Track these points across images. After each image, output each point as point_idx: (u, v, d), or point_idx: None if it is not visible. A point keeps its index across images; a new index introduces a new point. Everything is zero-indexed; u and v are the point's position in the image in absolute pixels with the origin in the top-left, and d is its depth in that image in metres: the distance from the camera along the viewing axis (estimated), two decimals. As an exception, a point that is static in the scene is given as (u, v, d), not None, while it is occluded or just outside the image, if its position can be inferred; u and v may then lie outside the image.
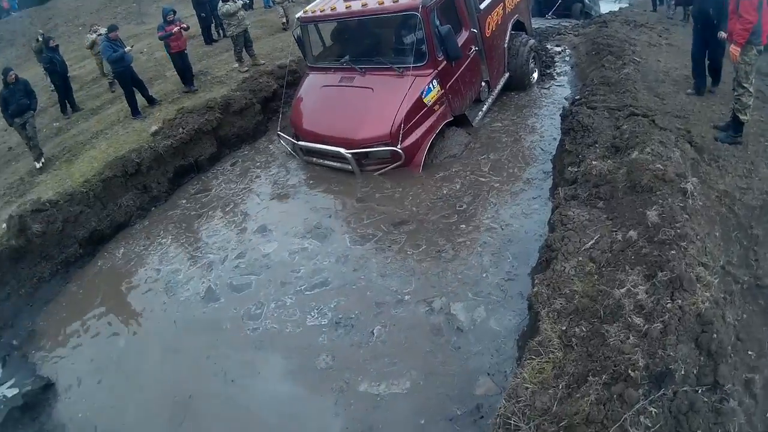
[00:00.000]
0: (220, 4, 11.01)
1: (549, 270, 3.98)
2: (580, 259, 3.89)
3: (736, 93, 5.56)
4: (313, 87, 7.99)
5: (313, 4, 8.36)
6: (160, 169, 8.22)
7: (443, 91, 7.18)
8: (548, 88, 9.76)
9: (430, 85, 7.03)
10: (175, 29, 9.78)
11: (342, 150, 6.91)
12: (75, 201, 7.33)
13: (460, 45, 7.37)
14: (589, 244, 3.99)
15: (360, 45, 8.11)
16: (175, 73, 10.67)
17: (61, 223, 7.18)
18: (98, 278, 7.01)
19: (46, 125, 10.57)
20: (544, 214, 5.77)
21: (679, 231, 3.61)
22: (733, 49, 5.39)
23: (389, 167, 7.01)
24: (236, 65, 11.53)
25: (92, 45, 11.47)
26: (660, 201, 4.16)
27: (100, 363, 5.50)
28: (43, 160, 8.75)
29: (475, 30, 7.81)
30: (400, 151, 6.70)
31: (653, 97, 7.12)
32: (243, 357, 5.17)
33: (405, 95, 6.79)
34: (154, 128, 8.61)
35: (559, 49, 12.05)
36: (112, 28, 9.23)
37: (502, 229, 5.77)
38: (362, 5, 7.13)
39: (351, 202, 6.90)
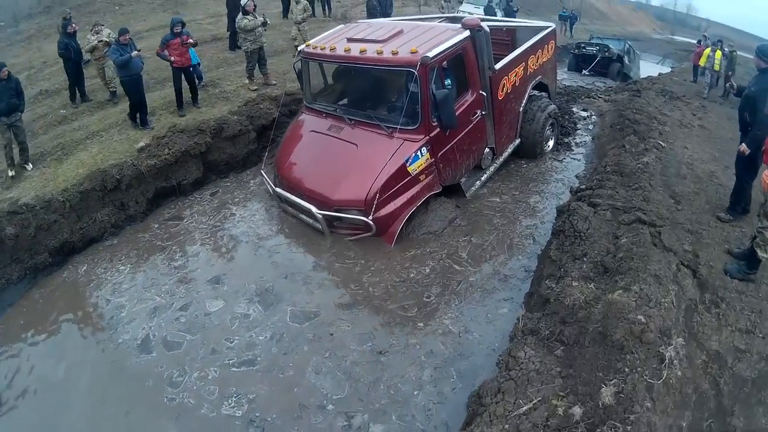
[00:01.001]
0: (240, 17, 10.50)
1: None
2: (506, 428, 3.17)
3: (759, 225, 4.70)
4: (302, 130, 7.43)
5: (320, 36, 7.81)
6: (140, 188, 7.81)
7: (433, 159, 6.54)
8: (562, 161, 9.03)
9: (419, 153, 6.38)
10: (171, 56, 8.88)
11: (313, 208, 6.30)
12: (51, 209, 7.03)
13: (463, 108, 6.79)
14: (524, 409, 3.27)
15: (354, 93, 7.51)
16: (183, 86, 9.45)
17: (35, 230, 6.86)
18: (59, 291, 6.60)
19: (53, 110, 10.19)
20: (508, 323, 5.13)
21: (629, 429, 2.86)
22: (766, 176, 4.52)
23: (361, 235, 6.38)
24: (246, 82, 11.04)
25: (92, 50, 9.91)
26: (626, 370, 3.42)
27: (25, 382, 5.22)
28: (30, 165, 8.15)
29: (483, 93, 7.14)
30: (371, 222, 6.12)
31: (668, 198, 6.31)
32: (155, 426, 4.69)
33: (388, 160, 6.17)
34: (141, 144, 8.14)
35: (585, 114, 11.39)
36: (123, 31, 8.37)
37: (459, 336, 5.12)
38: (360, 51, 6.52)
39: (310, 267, 6.30)
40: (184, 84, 9.26)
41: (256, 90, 10.69)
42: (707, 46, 13.83)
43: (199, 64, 10.26)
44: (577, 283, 4.54)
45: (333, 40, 7.27)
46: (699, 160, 7.85)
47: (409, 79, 6.21)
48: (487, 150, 7.72)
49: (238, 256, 6.88)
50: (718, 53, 12.89)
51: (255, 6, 10.22)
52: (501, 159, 8.18)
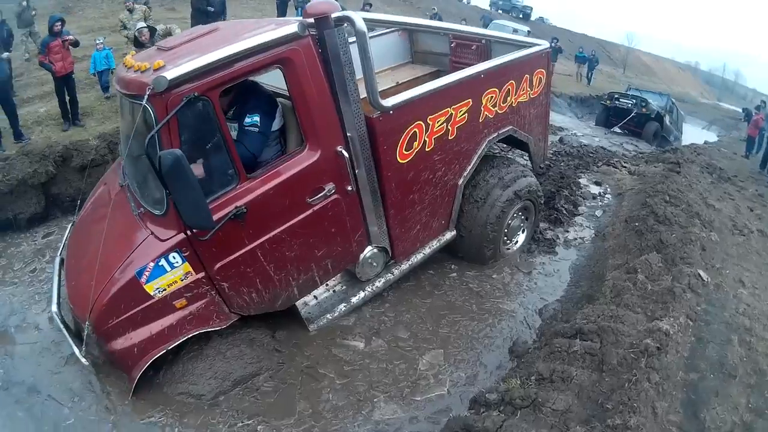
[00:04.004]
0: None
1: None
2: None
3: None
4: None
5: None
6: None
7: (203, 275, 3.56)
8: (529, 273, 5.39)
9: (164, 262, 3.40)
10: (53, 62, 7.53)
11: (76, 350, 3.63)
12: None
13: (281, 180, 3.60)
14: None
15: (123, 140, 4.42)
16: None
17: None
18: None
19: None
20: None
21: None
22: None
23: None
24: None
25: None
26: None
27: None
28: None
29: (344, 150, 3.69)
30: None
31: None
32: None
33: (119, 265, 3.45)
34: None
35: (596, 190, 7.72)
36: None
37: None
38: (131, 68, 3.50)
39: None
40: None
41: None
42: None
43: (112, 70, 8.77)
44: None
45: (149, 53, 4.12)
46: (764, 316, 4.23)
47: (143, 119, 3.23)
48: (370, 252, 4.26)
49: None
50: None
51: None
52: (405, 266, 4.71)
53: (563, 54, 20.81)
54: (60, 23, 7.57)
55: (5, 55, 7.56)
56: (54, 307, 3.86)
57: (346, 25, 3.48)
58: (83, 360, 3.52)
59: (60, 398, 3.77)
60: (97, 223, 4.08)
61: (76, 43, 7.88)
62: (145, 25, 7.85)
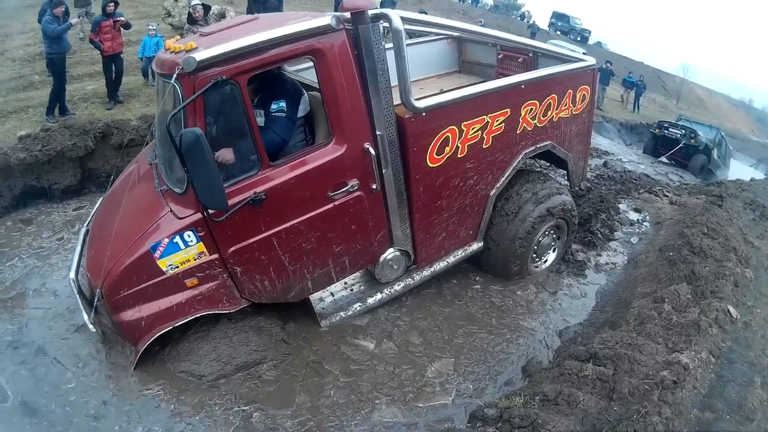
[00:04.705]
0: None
1: None
2: None
3: None
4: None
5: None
6: (7, 181, 6.61)
7: (216, 257, 3.54)
8: (555, 293, 5.19)
9: (178, 240, 3.41)
10: (102, 41, 7.80)
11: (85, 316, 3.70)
12: None
13: (303, 172, 3.56)
14: None
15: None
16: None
17: None
18: None
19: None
20: None
21: None
22: None
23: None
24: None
25: None
26: None
27: None
28: None
29: (371, 148, 3.62)
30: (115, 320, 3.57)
31: None
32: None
33: (137, 238, 3.47)
34: (22, 132, 6.91)
35: (635, 216, 7.41)
36: (57, 3, 7.24)
37: None
38: (170, 51, 3.51)
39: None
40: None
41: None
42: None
43: None
44: None
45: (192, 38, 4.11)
46: None
47: (172, 97, 3.36)
48: (391, 254, 4.14)
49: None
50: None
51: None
52: (427, 273, 4.59)
53: (615, 78, 20.28)
54: (113, 4, 7.74)
55: (74, 20, 7.77)
56: (72, 274, 3.91)
57: (382, 22, 3.44)
58: (90, 326, 3.58)
59: (65, 362, 3.82)
60: (123, 198, 4.13)
61: (127, 25, 8.09)
62: (200, 2, 7.91)
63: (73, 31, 9.35)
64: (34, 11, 11.76)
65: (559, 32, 34.36)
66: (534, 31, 29.05)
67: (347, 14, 3.40)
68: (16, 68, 9.89)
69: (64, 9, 7.43)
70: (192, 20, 7.69)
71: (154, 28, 8.85)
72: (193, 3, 7.81)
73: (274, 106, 3.51)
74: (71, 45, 8.08)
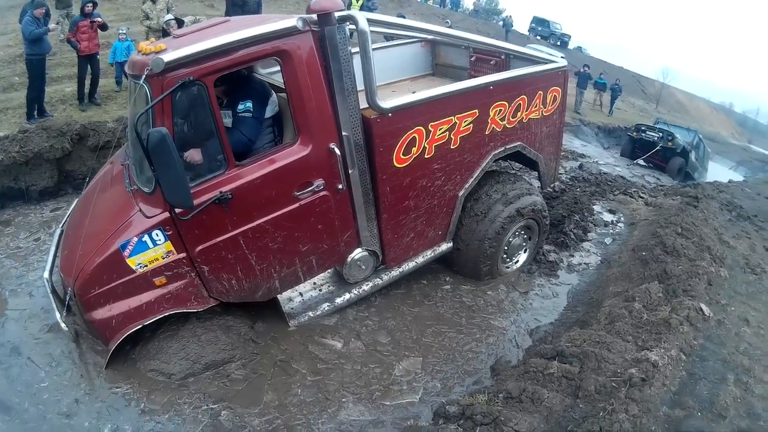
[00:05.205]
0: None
1: None
2: None
3: None
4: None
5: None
6: None
7: (184, 255, 3.57)
8: (525, 293, 5.25)
9: (146, 239, 3.45)
10: (79, 41, 7.90)
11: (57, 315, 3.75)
12: None
13: (269, 171, 3.59)
14: None
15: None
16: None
17: None
18: None
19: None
20: None
21: None
22: None
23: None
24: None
25: None
26: None
27: None
28: None
29: (336, 148, 3.62)
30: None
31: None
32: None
33: (107, 237, 3.52)
34: (1, 134, 6.96)
35: (609, 218, 7.50)
36: (38, 4, 7.28)
37: None
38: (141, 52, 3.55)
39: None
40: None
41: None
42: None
43: None
44: None
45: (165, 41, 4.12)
46: (766, 357, 3.98)
47: (141, 98, 3.42)
48: (359, 254, 4.18)
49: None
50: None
51: None
52: (396, 273, 4.63)
53: (592, 81, 20.36)
54: (91, 5, 7.79)
55: (52, 26, 7.70)
56: (46, 274, 3.96)
57: (348, 23, 3.49)
58: (63, 325, 3.61)
59: (39, 362, 3.83)
60: (95, 198, 4.17)
61: (104, 26, 8.10)
62: (173, 17, 7.95)
63: (55, 33, 9.30)
64: (16, 12, 11.64)
65: (539, 37, 34.66)
66: (508, 29, 29.38)
67: (314, 16, 3.44)
68: (-5, 69, 9.82)
69: (44, 11, 7.41)
70: (167, 35, 7.75)
71: (125, 32, 8.76)
72: (166, 18, 7.85)
73: (240, 107, 3.55)
74: (52, 46, 8.09)
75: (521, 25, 38.10)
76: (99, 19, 7.95)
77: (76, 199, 5.05)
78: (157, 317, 3.62)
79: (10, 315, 4.39)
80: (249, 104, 3.55)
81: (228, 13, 8.96)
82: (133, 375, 3.71)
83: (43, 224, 6.20)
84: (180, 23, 7.93)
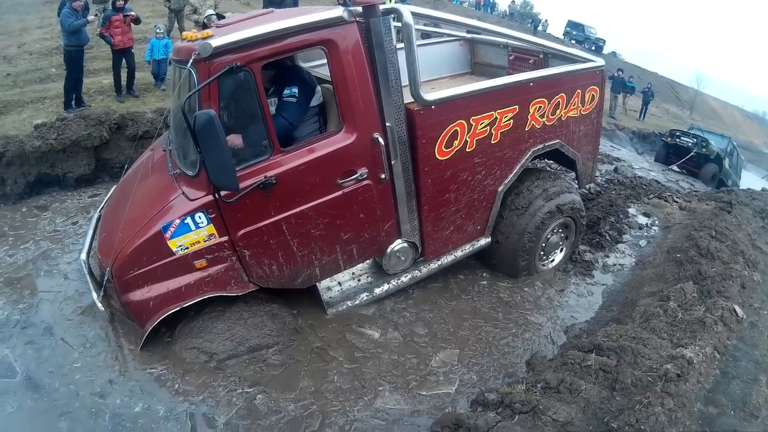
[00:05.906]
0: None
1: None
2: None
3: None
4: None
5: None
6: (23, 168, 6.74)
7: (227, 239, 3.58)
8: (561, 292, 5.18)
9: (189, 221, 3.46)
10: (112, 36, 7.98)
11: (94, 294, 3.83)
12: None
13: (312, 159, 3.60)
14: None
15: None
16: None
17: None
18: None
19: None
20: None
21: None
22: None
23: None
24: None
25: None
26: None
27: None
28: None
29: (380, 138, 3.65)
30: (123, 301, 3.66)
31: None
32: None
33: (149, 219, 3.55)
34: (37, 121, 7.10)
35: (644, 221, 7.35)
36: None
37: None
38: (186, 39, 3.63)
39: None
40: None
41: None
42: None
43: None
44: None
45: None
46: None
47: (187, 82, 3.38)
48: (399, 245, 4.18)
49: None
50: None
51: None
52: (434, 266, 4.61)
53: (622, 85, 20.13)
54: (122, 0, 7.91)
55: (91, 17, 7.84)
56: (83, 255, 4.01)
57: (393, 16, 3.51)
58: (99, 305, 3.65)
59: (72, 343, 3.87)
60: (136, 184, 4.22)
61: (137, 21, 8.19)
62: (215, 13, 8.03)
63: (93, 26, 9.52)
64: (51, 6, 11.96)
65: (573, 41, 34.30)
66: (536, 27, 29.16)
67: (359, 8, 3.46)
68: (33, 61, 10.09)
69: (83, 3, 7.55)
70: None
71: (162, 30, 8.82)
72: (207, 13, 7.93)
73: (286, 91, 3.60)
74: (90, 39, 8.21)
75: (556, 29, 37.80)
76: (132, 13, 8.04)
77: (115, 185, 5.12)
78: (195, 300, 3.63)
79: (44, 296, 4.45)
80: (295, 90, 3.59)
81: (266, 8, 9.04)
82: (168, 356, 3.74)
83: (81, 209, 6.29)
84: (221, 19, 8.02)
